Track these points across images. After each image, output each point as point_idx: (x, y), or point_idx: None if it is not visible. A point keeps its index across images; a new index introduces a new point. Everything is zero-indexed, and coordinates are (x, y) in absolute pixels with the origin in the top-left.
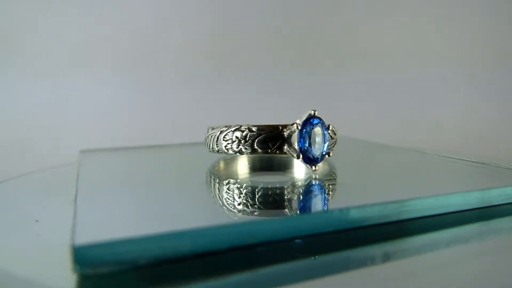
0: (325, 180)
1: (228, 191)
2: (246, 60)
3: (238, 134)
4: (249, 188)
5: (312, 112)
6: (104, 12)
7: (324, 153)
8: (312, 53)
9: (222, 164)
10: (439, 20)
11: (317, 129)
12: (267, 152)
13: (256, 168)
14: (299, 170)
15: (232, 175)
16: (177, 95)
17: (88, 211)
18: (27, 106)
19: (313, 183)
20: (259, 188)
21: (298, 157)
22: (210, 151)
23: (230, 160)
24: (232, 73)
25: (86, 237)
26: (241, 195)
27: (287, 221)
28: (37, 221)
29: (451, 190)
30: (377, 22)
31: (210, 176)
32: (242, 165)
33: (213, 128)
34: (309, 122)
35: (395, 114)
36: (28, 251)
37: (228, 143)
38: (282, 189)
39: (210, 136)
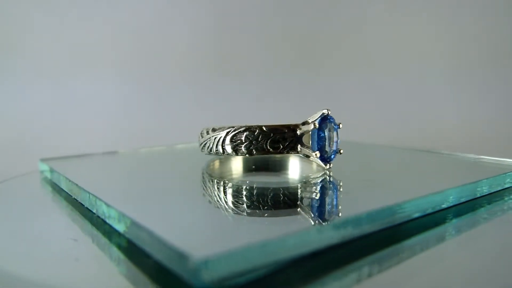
0: (338, 178)
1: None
2: (243, 61)
3: (248, 135)
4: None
5: (326, 111)
6: (104, 13)
7: (336, 151)
8: (311, 54)
9: (217, 165)
10: (440, 20)
11: (331, 128)
12: (279, 152)
13: (250, 168)
14: (294, 170)
15: (237, 176)
16: (177, 95)
17: (153, 220)
18: (27, 106)
19: (335, 181)
20: (318, 189)
21: (316, 156)
22: (208, 153)
23: (224, 160)
24: (224, 74)
25: (202, 249)
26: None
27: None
28: (75, 240)
29: (446, 187)
30: (377, 22)
31: (212, 178)
32: (247, 166)
33: (214, 130)
34: (324, 121)
35: (395, 114)
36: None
37: (236, 145)
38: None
39: (212, 138)
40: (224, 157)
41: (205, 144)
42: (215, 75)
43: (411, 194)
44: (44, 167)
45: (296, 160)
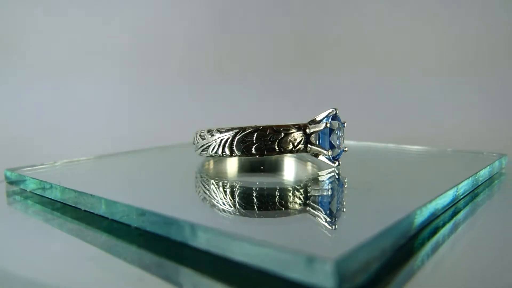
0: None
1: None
2: (242, 61)
3: (260, 135)
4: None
5: (334, 110)
6: (105, 13)
7: (342, 149)
8: (311, 54)
9: (212, 166)
10: (439, 20)
11: (340, 126)
12: (289, 152)
13: (246, 169)
14: (290, 170)
15: (240, 177)
16: (176, 96)
17: (232, 222)
18: (27, 106)
19: (341, 178)
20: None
21: (329, 155)
22: (211, 156)
23: (219, 161)
24: (224, 74)
25: (324, 251)
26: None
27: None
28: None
29: (450, 185)
30: (377, 23)
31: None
32: (242, 167)
33: (220, 131)
34: (334, 120)
35: (395, 114)
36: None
37: (247, 146)
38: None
39: (218, 139)
40: (219, 158)
41: (209, 146)
42: (214, 75)
43: (425, 194)
44: (19, 177)
45: (291, 160)
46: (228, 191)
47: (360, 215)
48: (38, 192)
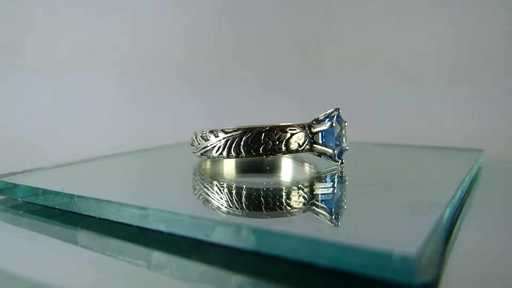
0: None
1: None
2: (242, 62)
3: (267, 135)
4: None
5: (337, 110)
6: (105, 13)
7: (345, 148)
8: (311, 54)
9: (208, 166)
10: (440, 20)
11: (343, 126)
12: (295, 152)
13: (244, 170)
14: (287, 171)
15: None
16: (176, 96)
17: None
18: (27, 106)
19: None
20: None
21: (334, 154)
22: (214, 158)
23: (217, 161)
24: (223, 75)
25: (406, 244)
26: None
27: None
28: None
29: (457, 180)
30: (377, 23)
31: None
32: (241, 168)
33: (225, 132)
34: (337, 119)
35: (395, 114)
36: None
37: (257, 146)
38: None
39: (223, 140)
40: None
41: (213, 147)
42: (213, 75)
43: (438, 190)
44: (6, 185)
45: (289, 160)
46: (233, 192)
47: (399, 211)
48: (31, 199)
